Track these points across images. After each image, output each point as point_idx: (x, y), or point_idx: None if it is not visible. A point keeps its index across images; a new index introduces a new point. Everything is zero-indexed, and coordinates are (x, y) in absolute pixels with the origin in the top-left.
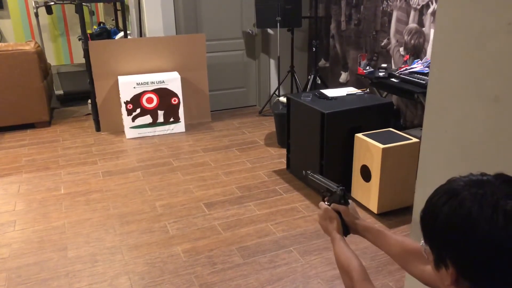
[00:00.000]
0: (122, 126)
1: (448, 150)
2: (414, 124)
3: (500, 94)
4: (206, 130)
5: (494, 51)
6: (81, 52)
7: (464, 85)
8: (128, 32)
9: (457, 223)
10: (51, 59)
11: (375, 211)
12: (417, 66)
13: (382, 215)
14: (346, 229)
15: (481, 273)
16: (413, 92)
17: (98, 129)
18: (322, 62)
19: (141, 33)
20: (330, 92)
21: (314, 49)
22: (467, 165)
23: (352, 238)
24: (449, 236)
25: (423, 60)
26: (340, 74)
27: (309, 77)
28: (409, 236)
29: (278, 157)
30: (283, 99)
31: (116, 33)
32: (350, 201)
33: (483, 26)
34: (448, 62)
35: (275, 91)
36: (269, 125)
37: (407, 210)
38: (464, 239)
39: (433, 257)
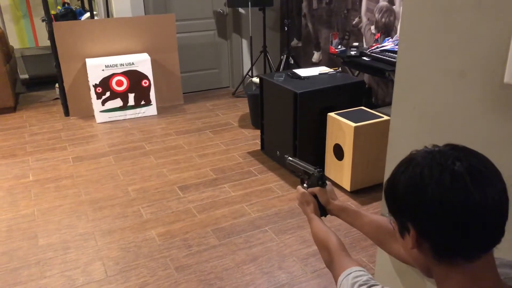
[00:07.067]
0: (92, 110)
1: (417, 126)
2: (386, 102)
3: (465, 69)
4: (178, 112)
5: (459, 27)
6: (46, 34)
7: (431, 61)
8: (94, 12)
9: (411, 186)
10: (14, 42)
11: (348, 189)
12: (388, 44)
13: (355, 193)
14: (323, 210)
15: (436, 232)
16: (384, 70)
17: (66, 113)
18: (294, 42)
19: (108, 14)
20: (302, 72)
21: (286, 28)
22: (435, 141)
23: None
24: (406, 200)
25: (394, 38)
26: (313, 54)
27: (282, 57)
28: (381, 213)
29: (252, 138)
30: (256, 79)
31: (82, 14)
32: (328, 182)
33: (449, 2)
34: (416, 38)
35: (248, 71)
36: (243, 107)
37: (379, 187)
38: (418, 200)
39: (397, 226)
